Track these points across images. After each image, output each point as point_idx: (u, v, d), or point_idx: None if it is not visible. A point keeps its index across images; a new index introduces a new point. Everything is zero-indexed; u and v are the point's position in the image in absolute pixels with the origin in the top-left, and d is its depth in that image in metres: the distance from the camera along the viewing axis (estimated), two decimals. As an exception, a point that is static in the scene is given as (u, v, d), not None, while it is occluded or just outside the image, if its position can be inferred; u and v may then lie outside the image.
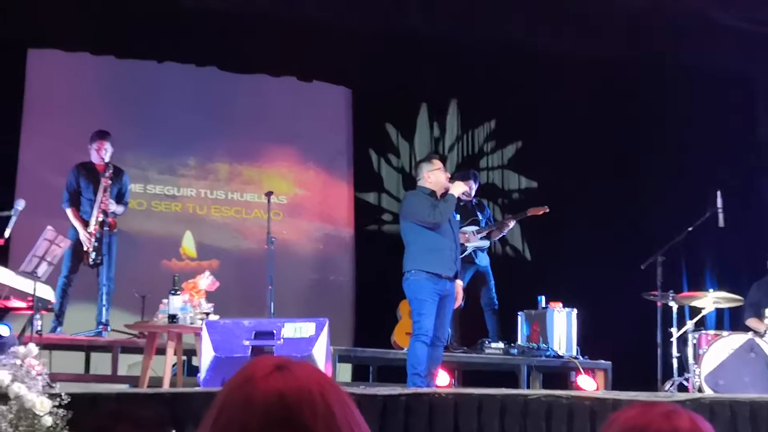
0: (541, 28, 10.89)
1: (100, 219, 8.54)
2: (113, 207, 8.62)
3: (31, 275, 6.99)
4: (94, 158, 8.80)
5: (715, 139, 11.40)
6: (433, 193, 7.44)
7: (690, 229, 8.88)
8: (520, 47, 11.14)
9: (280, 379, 1.52)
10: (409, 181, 11.52)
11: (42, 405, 4.55)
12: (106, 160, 8.74)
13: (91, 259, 8.49)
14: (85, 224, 8.57)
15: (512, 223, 9.63)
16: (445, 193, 7.44)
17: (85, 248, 8.49)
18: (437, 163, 7.63)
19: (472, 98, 11.75)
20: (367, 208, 11.48)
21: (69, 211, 8.67)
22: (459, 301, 7.62)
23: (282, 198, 11.13)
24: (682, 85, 11.39)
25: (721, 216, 8.86)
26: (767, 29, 11.02)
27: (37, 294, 6.92)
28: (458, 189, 7.50)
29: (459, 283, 7.56)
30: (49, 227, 7.42)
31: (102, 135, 8.82)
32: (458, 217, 8.14)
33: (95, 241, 8.49)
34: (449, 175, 7.69)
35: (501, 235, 9.85)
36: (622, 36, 10.92)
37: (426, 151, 11.54)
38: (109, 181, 8.63)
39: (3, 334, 6.17)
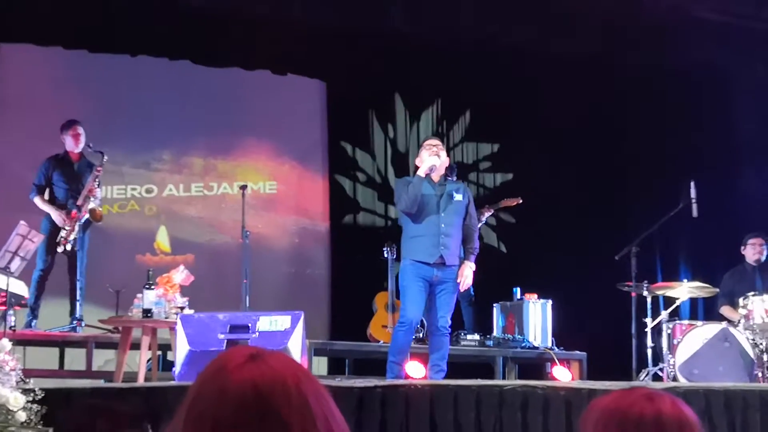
0: (517, 26, 10.85)
1: (90, 206, 8.24)
2: (98, 196, 8.38)
3: (4, 271, 6.94)
4: (69, 145, 8.57)
5: (690, 130, 11.43)
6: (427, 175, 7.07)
7: (664, 219, 8.92)
8: (497, 45, 11.12)
9: (254, 369, 1.49)
10: (384, 174, 11.56)
11: (16, 400, 4.52)
12: (82, 143, 8.55)
13: (69, 244, 8.17)
14: (61, 207, 8.33)
15: (486, 215, 9.65)
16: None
17: (64, 234, 8.18)
18: (426, 144, 7.26)
19: (449, 93, 11.73)
20: (342, 201, 11.46)
21: (37, 199, 8.42)
22: (465, 286, 7.19)
23: (257, 191, 11.09)
24: (658, 78, 11.40)
25: (694, 206, 8.88)
26: (743, 21, 11.07)
27: (10, 290, 6.87)
28: (423, 168, 7.05)
29: (469, 265, 7.12)
30: (22, 222, 7.37)
31: (75, 121, 8.63)
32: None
33: (77, 226, 8.23)
34: (435, 152, 7.05)
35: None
36: (597, 32, 10.92)
37: (403, 144, 11.60)
38: (101, 170, 8.45)
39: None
